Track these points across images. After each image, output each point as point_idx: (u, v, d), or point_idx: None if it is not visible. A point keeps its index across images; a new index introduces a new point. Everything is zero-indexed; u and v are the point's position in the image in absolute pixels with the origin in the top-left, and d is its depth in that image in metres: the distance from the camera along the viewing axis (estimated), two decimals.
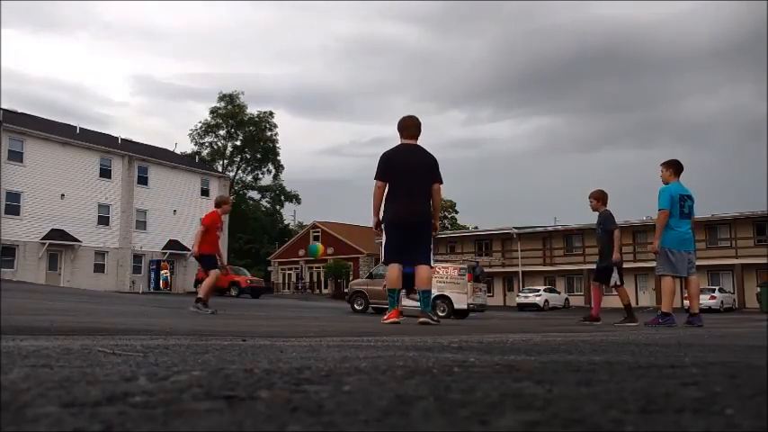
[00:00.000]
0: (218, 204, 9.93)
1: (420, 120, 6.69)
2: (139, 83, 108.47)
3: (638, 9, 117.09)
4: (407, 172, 6.39)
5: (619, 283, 9.03)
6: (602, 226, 9.05)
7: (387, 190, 6.44)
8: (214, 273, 9.47)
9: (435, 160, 6.57)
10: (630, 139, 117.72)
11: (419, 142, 6.69)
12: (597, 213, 9.16)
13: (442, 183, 6.56)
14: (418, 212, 6.42)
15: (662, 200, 7.59)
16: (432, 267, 6.76)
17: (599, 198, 9.11)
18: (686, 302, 8.65)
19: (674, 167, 7.81)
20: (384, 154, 6.53)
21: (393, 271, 6.42)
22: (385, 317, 6.49)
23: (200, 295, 9.42)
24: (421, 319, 6.25)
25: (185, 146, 67.83)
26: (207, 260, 9.49)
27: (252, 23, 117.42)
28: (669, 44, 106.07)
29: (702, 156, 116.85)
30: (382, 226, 6.54)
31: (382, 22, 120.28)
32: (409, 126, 6.60)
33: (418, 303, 6.78)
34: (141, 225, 42.94)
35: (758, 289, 32.03)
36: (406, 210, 6.36)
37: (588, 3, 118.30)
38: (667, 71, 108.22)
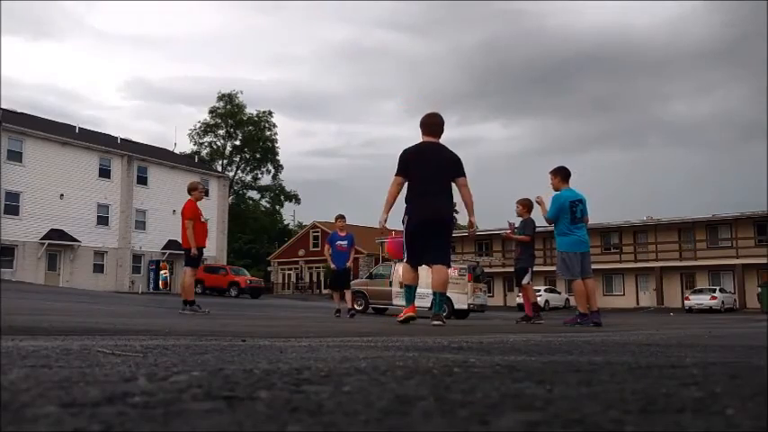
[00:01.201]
0: (189, 191, 9.52)
1: (443, 118, 6.55)
2: (133, 87, 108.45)
3: (629, 11, 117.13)
4: (428, 170, 6.26)
5: (530, 281, 9.78)
6: (523, 232, 9.84)
7: (407, 188, 6.33)
8: (191, 271, 9.28)
9: (458, 157, 6.41)
10: (624, 139, 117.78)
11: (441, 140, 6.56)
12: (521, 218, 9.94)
13: (465, 177, 6.41)
14: (438, 211, 6.30)
15: (551, 208, 8.05)
16: (451, 267, 6.74)
17: (525, 206, 9.76)
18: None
19: (562, 174, 8.16)
20: (405, 150, 6.41)
21: (407, 268, 6.42)
22: (401, 314, 6.48)
23: (184, 297, 9.22)
24: (434, 322, 6.14)
25: (184, 146, 67.92)
26: (192, 254, 9.18)
27: (245, 29, 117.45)
28: (661, 46, 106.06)
29: (700, 156, 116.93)
30: (403, 222, 6.43)
31: (373, 29, 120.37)
32: (431, 124, 6.47)
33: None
34: (141, 225, 42.93)
35: (759, 289, 32.03)
36: (426, 208, 6.25)
37: (579, 4, 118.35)
38: (660, 72, 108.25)
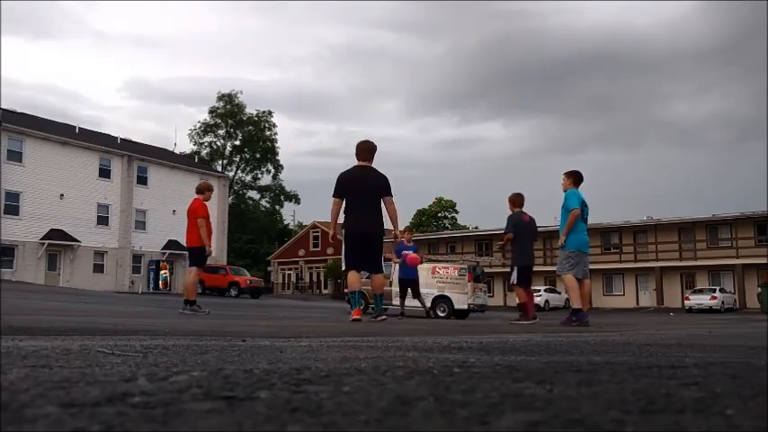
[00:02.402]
0: (200, 191, 9.57)
1: (375, 145, 7.48)
2: (132, 87, 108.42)
3: (629, 11, 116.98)
4: (360, 190, 7.18)
5: (516, 282, 9.68)
6: (506, 229, 9.81)
7: (344, 206, 7.23)
8: (197, 271, 9.24)
9: (386, 179, 7.31)
10: (624, 139, 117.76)
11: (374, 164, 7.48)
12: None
13: (391, 196, 7.30)
14: (369, 225, 7.19)
15: (572, 201, 8.08)
16: (382, 274, 7.55)
17: (512, 201, 9.85)
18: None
19: (575, 177, 8.33)
20: (340, 174, 7.27)
21: (353, 276, 7.24)
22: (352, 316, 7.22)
23: (186, 297, 9.13)
24: (380, 317, 7.31)
25: (184, 146, 67.94)
26: (200, 253, 9.18)
27: (245, 29, 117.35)
28: (661, 46, 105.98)
29: (700, 156, 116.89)
30: (340, 236, 7.37)
31: (373, 29, 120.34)
32: (364, 150, 7.35)
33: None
34: (141, 225, 42.91)
35: (759, 289, 32.02)
36: (359, 223, 7.14)
37: (579, 4, 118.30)
38: (660, 72, 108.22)
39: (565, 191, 8.27)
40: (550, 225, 48.46)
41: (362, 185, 7.21)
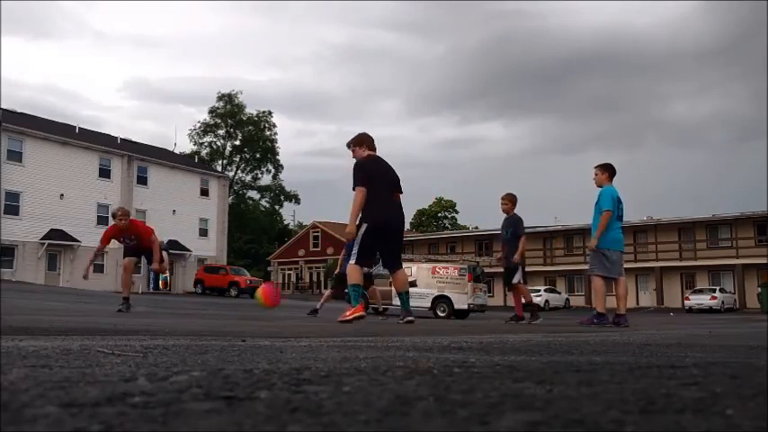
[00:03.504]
0: (114, 215, 9.37)
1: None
2: (132, 87, 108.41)
3: (629, 11, 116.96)
4: (383, 181, 6.77)
5: (522, 281, 9.50)
6: (513, 230, 9.55)
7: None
8: (129, 260, 9.51)
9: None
10: (624, 139, 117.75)
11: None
12: (506, 216, 9.69)
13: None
14: (396, 218, 6.89)
15: (605, 201, 7.79)
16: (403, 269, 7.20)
17: (512, 201, 9.62)
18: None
19: (609, 171, 8.06)
20: (363, 162, 6.76)
21: (359, 271, 6.82)
22: (349, 313, 6.66)
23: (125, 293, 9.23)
24: (407, 318, 6.64)
25: (184, 146, 67.89)
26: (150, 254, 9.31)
27: (245, 29, 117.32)
28: (661, 46, 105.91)
29: (700, 156, 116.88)
30: (362, 231, 6.74)
31: (373, 29, 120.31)
32: (370, 141, 6.96)
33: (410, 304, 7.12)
34: None
35: (759, 289, 32.01)
36: (385, 215, 6.72)
37: (578, 4, 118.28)
38: (660, 72, 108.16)
39: (599, 185, 7.98)
40: (550, 225, 48.69)
41: (385, 176, 6.81)
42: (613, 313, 7.61)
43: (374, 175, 6.67)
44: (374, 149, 6.95)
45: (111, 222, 9.54)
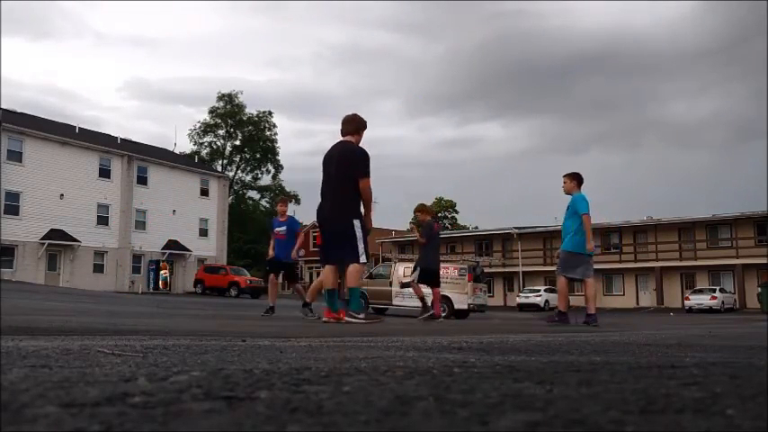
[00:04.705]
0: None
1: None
2: (132, 87, 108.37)
3: (628, 11, 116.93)
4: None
5: (417, 280, 10.61)
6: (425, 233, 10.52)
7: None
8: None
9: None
10: (624, 139, 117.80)
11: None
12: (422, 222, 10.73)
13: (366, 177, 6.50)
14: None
15: (582, 205, 8.11)
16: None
17: (423, 211, 10.81)
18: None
19: (578, 179, 8.35)
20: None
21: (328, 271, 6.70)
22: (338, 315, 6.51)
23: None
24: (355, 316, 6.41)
25: (184, 146, 67.90)
26: None
27: (245, 29, 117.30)
28: (661, 45, 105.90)
29: (700, 156, 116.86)
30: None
31: (373, 29, 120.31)
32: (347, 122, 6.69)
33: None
34: (140, 225, 42.91)
35: (759, 289, 32.02)
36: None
37: (578, 5, 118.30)
38: (660, 72, 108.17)
39: (568, 193, 8.27)
40: (550, 225, 48.66)
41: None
42: (583, 313, 7.96)
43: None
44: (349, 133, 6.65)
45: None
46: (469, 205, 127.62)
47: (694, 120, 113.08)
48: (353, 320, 6.29)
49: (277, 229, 10.06)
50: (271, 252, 10.19)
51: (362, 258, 6.38)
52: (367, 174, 6.38)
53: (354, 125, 6.62)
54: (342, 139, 6.66)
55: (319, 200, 6.62)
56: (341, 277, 6.87)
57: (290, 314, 9.82)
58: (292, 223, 10.29)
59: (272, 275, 10.38)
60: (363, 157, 6.43)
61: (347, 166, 6.39)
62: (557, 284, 8.50)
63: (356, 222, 6.35)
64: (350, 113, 6.74)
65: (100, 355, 1.92)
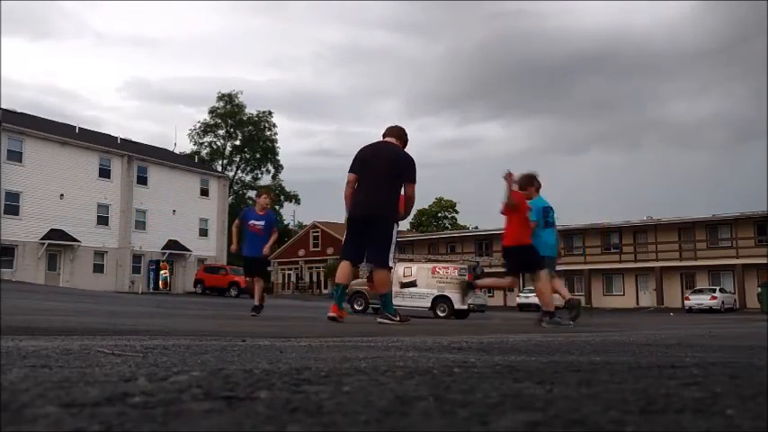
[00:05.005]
0: None
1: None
2: (132, 87, 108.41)
3: (628, 11, 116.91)
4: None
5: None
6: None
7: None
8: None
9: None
10: (624, 139, 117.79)
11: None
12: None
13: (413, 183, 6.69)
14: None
15: (533, 214, 8.29)
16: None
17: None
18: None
19: (536, 186, 8.57)
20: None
21: (343, 267, 6.59)
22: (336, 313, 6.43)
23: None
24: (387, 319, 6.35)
25: (184, 146, 67.90)
26: None
27: (245, 29, 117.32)
28: (661, 45, 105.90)
29: (700, 156, 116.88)
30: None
31: (373, 29, 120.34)
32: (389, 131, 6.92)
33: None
34: (140, 225, 42.92)
35: (759, 289, 32.03)
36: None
37: (578, 5, 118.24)
38: (659, 72, 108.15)
39: (528, 199, 8.39)
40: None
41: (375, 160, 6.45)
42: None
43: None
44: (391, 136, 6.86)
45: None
46: (469, 205, 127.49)
47: (694, 120, 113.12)
48: (388, 322, 6.25)
49: (253, 221, 9.48)
50: (235, 245, 9.81)
51: (391, 263, 6.39)
52: (415, 180, 6.47)
53: (403, 137, 6.83)
54: (386, 139, 6.76)
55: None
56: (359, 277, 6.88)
57: (289, 314, 9.82)
58: (271, 218, 9.76)
59: (255, 277, 10.19)
60: (413, 163, 6.53)
61: (398, 168, 6.42)
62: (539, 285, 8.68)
63: (395, 226, 6.41)
64: (399, 125, 6.99)
65: (100, 355, 1.92)
